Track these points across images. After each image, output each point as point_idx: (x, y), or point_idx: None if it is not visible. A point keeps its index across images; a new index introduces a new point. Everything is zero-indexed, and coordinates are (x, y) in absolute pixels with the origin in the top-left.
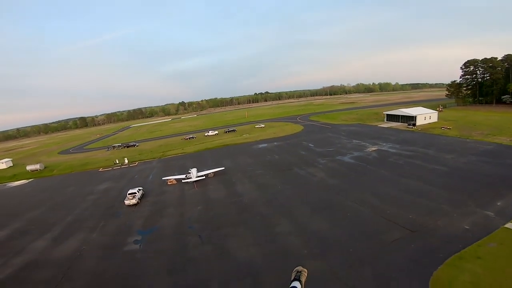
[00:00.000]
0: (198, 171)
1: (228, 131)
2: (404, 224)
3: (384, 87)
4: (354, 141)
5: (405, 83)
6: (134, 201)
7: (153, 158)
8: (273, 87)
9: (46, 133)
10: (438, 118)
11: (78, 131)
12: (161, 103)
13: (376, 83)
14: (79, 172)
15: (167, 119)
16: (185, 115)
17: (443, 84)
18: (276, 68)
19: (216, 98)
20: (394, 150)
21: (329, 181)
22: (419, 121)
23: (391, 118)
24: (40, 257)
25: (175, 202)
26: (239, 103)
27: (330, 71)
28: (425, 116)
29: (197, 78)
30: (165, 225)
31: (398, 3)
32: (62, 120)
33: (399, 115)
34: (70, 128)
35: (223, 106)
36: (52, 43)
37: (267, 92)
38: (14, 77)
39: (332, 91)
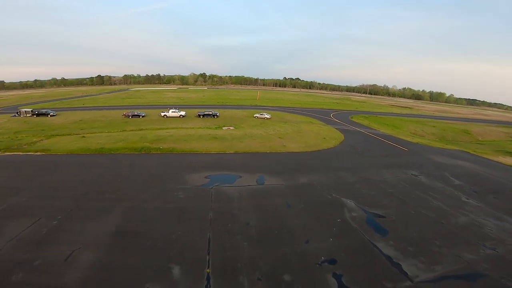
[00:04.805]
0: None
1: (203, 115)
2: None
3: (435, 97)
4: None
5: (460, 97)
6: None
7: None
8: (305, 76)
9: (59, 86)
10: None
11: (84, 88)
12: (188, 73)
13: (427, 91)
14: None
15: (174, 87)
16: (198, 86)
17: (502, 105)
18: (312, 58)
19: (243, 76)
20: None
21: None
22: None
23: None
24: None
25: None
26: (264, 85)
27: (370, 70)
28: None
29: (230, 55)
30: None
31: (464, 13)
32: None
33: None
34: (86, 84)
35: (246, 84)
36: (107, 7)
37: (297, 78)
38: (63, 34)
39: (373, 91)
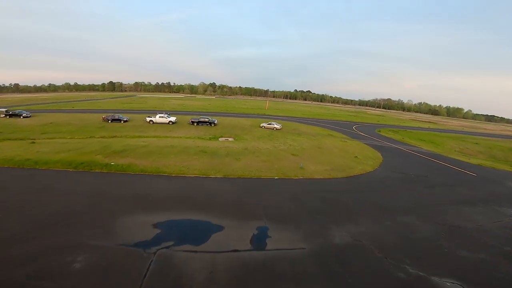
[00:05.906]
0: None
1: (198, 122)
2: None
3: (452, 112)
4: None
5: (478, 113)
6: None
7: None
8: (316, 90)
9: (71, 91)
10: None
11: (93, 93)
12: (197, 83)
13: (443, 106)
14: None
15: (181, 95)
16: (205, 96)
17: None
18: (323, 71)
19: (253, 87)
20: None
21: None
22: None
23: None
24: None
25: None
26: (274, 96)
27: (383, 84)
28: None
29: (242, 66)
30: None
31: (476, 26)
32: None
33: None
34: (97, 90)
35: (256, 95)
36: (125, 15)
37: (309, 91)
38: (81, 40)
39: (387, 105)
